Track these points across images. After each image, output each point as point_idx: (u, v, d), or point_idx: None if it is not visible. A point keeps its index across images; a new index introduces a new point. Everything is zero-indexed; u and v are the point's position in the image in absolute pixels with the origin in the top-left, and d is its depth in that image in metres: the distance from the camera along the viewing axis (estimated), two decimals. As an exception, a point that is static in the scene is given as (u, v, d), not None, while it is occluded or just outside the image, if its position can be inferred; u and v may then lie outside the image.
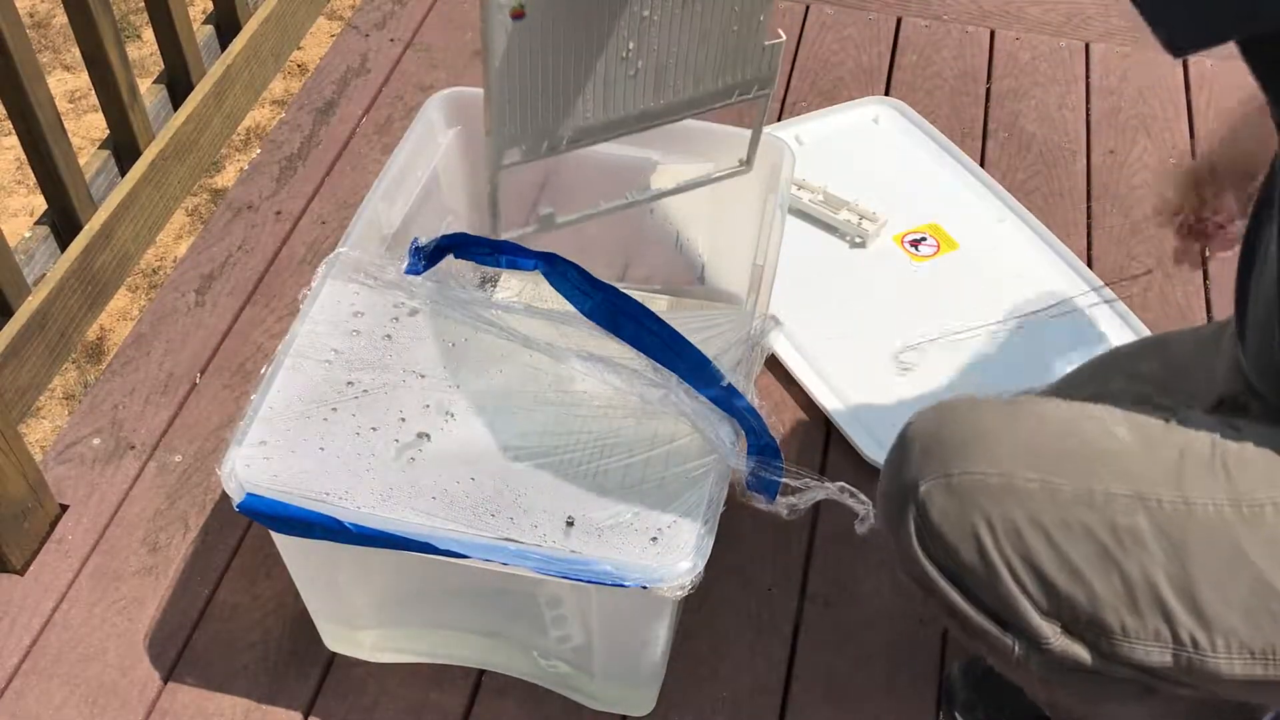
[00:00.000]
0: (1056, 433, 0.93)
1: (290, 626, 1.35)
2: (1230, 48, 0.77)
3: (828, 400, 1.54)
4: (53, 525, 1.43)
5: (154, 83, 1.68)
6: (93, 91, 1.55)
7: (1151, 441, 0.91)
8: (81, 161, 1.50)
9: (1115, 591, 0.87)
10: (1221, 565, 0.86)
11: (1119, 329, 1.62)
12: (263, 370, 1.14)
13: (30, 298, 1.42)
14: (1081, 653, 0.90)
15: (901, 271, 1.70)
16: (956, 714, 1.27)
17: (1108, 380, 1.14)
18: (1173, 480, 0.88)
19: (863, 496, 1.07)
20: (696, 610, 1.35)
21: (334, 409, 1.12)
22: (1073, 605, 0.88)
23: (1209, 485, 0.87)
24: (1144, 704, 0.96)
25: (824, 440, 1.53)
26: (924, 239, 1.74)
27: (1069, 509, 0.88)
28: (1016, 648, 0.92)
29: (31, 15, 2.48)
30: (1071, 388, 1.17)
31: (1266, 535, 0.85)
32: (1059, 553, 0.88)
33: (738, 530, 1.40)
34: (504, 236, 1.18)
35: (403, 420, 1.12)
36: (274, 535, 1.11)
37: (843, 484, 1.07)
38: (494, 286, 1.54)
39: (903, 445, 0.97)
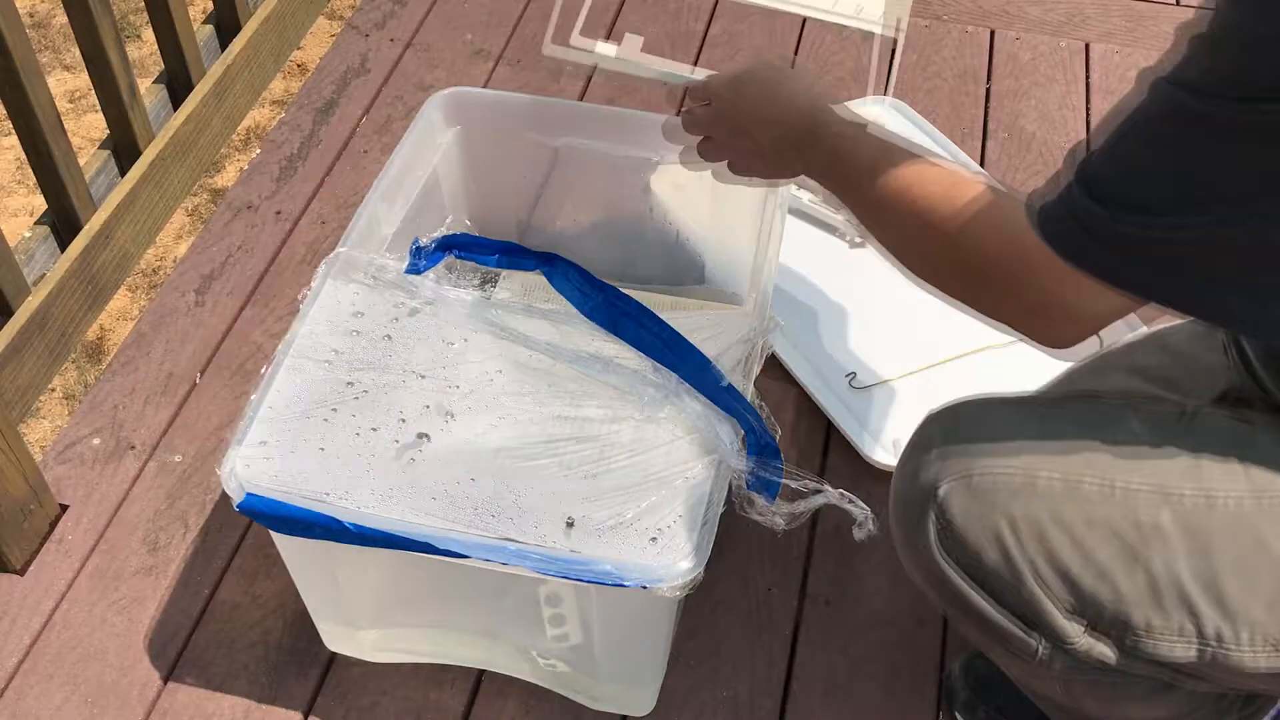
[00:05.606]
0: (1075, 428, 0.93)
1: (290, 626, 1.35)
2: None
3: (828, 400, 1.54)
4: (53, 525, 1.43)
5: (154, 83, 1.68)
6: (93, 91, 1.55)
7: (1167, 436, 0.91)
8: (81, 161, 1.50)
9: (1140, 588, 0.87)
10: (1245, 558, 0.86)
11: (1117, 324, 1.62)
12: (263, 370, 1.14)
13: (30, 298, 1.42)
14: (1106, 651, 0.89)
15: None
16: (956, 714, 1.27)
17: (1104, 377, 1.13)
18: (1192, 474, 0.87)
19: (860, 503, 1.07)
20: (696, 610, 1.35)
21: (334, 409, 1.12)
22: (1098, 603, 0.88)
23: (1228, 479, 0.87)
24: (1162, 700, 0.96)
25: (824, 440, 1.53)
26: (924, 239, 1.73)
27: (1092, 505, 0.88)
28: (1041, 648, 0.91)
29: (31, 15, 2.48)
30: (1068, 384, 1.16)
31: None
32: (1083, 550, 0.88)
33: (738, 530, 1.40)
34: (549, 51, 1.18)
35: (403, 421, 1.12)
36: (274, 535, 1.11)
37: (842, 491, 1.07)
38: (494, 286, 1.54)
39: (918, 447, 0.95)
